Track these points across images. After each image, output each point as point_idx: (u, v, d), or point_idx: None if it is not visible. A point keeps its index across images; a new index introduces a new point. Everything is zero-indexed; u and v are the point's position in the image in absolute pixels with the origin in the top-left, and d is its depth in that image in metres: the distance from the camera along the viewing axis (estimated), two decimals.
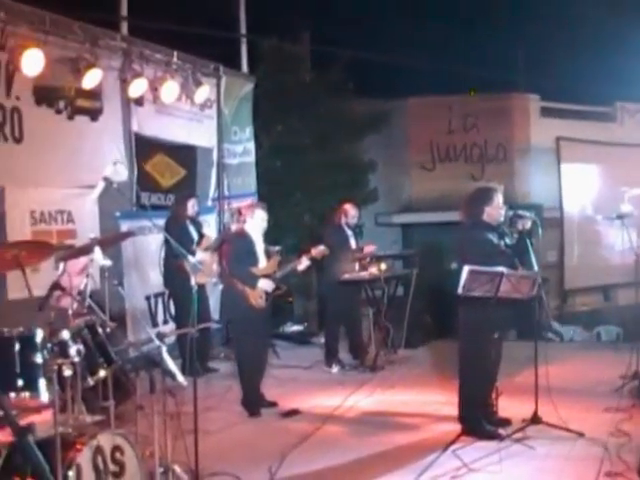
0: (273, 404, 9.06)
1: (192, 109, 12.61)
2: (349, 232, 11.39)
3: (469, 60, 17.42)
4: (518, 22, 18.01)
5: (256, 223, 8.85)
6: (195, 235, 10.88)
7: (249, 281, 8.66)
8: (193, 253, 10.00)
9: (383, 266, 11.31)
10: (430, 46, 16.85)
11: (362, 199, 14.89)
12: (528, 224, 7.69)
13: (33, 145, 9.64)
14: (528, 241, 7.57)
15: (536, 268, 7.51)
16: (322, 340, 11.92)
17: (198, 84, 12.08)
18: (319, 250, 9.49)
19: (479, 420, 7.55)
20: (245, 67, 14.55)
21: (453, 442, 7.22)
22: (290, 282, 9.15)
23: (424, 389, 9.67)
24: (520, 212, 7.80)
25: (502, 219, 7.72)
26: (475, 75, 17.31)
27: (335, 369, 11.09)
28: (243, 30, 14.40)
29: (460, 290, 7.17)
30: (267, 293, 8.75)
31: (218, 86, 13.35)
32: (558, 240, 17.73)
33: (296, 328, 13.77)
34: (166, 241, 10.36)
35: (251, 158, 14.31)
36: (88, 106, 10.66)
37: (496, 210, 7.69)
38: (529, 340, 7.81)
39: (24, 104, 9.60)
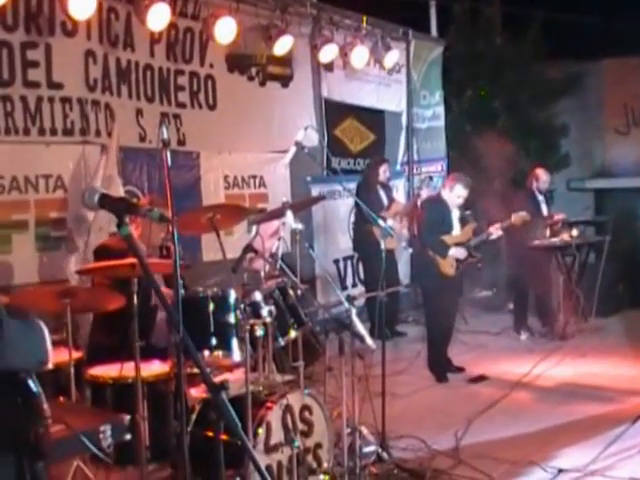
0: (461, 370, 9.03)
1: (381, 74, 12.59)
2: (540, 197, 11.14)
3: None
4: None
5: (452, 197, 8.76)
6: (385, 200, 10.91)
7: (440, 250, 8.61)
8: (382, 218, 10.03)
9: (575, 232, 11.03)
10: (626, 5, 16.10)
11: (554, 164, 14.52)
12: None
13: (226, 111, 9.91)
14: None
15: None
16: (511, 306, 11.76)
17: (387, 49, 12.03)
18: (519, 216, 9.32)
19: None
20: (434, 31, 14.41)
21: None
22: (478, 255, 9.03)
23: (615, 359, 9.38)
24: None
25: None
26: None
27: (524, 336, 10.94)
28: None
29: None
30: (459, 261, 8.69)
31: (407, 50, 13.28)
32: None
33: (485, 294, 13.64)
34: (356, 205, 10.45)
35: (440, 122, 14.19)
36: (279, 72, 10.84)
37: None
38: None
39: (217, 72, 9.88)
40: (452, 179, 8.98)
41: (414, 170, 13.66)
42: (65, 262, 8.02)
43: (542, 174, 11.13)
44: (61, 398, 5.41)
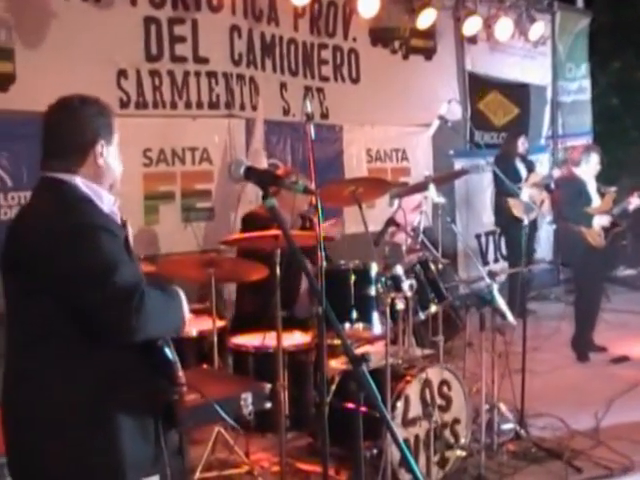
0: (602, 349, 8.85)
1: (525, 46, 12.36)
2: None
3: None
4: None
5: (591, 167, 8.60)
6: (524, 173, 10.73)
7: (584, 221, 8.45)
8: (520, 190, 9.90)
9: None
10: None
11: None
12: None
13: (369, 85, 9.94)
14: None
15: None
16: None
17: (532, 20, 11.81)
18: None
19: None
20: (580, 2, 14.04)
21: None
22: (624, 224, 8.83)
23: None
24: None
25: None
26: None
27: None
28: None
29: None
30: (605, 230, 8.51)
31: (552, 22, 12.98)
32: None
33: (629, 272, 13.31)
34: (495, 178, 10.34)
35: (586, 96, 13.85)
36: (422, 45, 10.80)
37: None
38: None
39: (360, 45, 9.91)
40: (585, 151, 8.81)
41: (559, 144, 13.41)
42: (210, 232, 8.20)
43: None
44: (204, 365, 5.55)
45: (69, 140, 3.14)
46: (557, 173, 10.35)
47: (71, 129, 3.14)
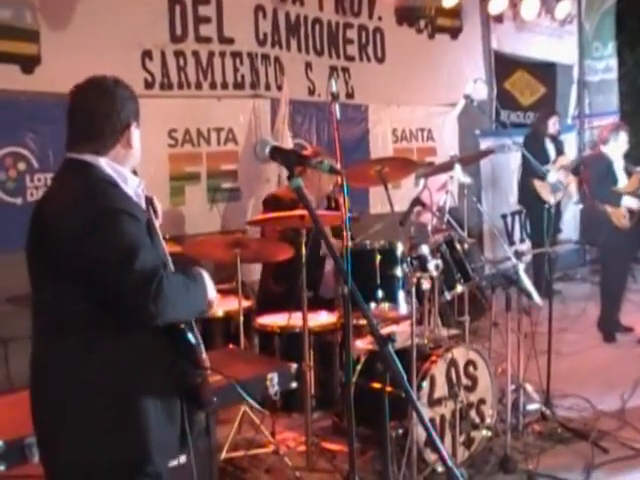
0: (629, 329, 8.79)
1: (552, 25, 12.29)
2: None
3: None
4: None
5: (619, 145, 8.53)
6: (553, 154, 10.65)
7: (612, 200, 8.38)
8: (547, 171, 9.85)
9: None
10: None
11: None
12: None
13: (395, 64, 9.91)
14: None
15: None
16: None
17: None
18: None
19: None
20: None
21: None
22: None
23: None
24: None
25: None
26: None
27: None
28: None
29: None
30: (631, 212, 8.45)
31: (579, 0, 12.87)
32: None
33: None
34: (523, 158, 10.28)
35: (613, 75, 13.74)
36: (448, 25, 10.76)
37: None
38: None
39: (386, 25, 9.88)
40: (614, 129, 8.71)
41: (585, 124, 13.33)
42: (235, 213, 8.22)
43: None
44: (231, 345, 5.57)
45: (104, 122, 3.09)
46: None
47: (107, 111, 3.09)
